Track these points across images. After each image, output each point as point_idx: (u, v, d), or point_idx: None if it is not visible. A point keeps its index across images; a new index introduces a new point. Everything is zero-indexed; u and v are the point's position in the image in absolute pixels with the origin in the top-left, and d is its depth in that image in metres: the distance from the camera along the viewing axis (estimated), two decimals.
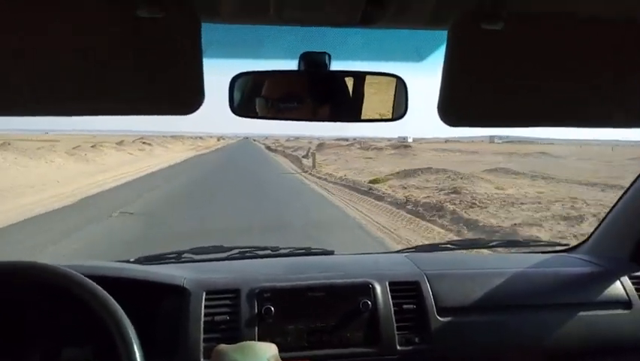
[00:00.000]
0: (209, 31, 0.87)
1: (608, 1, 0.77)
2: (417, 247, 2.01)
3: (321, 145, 47.34)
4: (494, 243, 2.05)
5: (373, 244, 6.63)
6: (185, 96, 0.73)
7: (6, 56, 0.67)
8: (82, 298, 1.01)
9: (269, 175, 18.21)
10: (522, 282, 1.52)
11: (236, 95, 1.02)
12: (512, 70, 0.79)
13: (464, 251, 2.01)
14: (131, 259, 1.62)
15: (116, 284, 1.10)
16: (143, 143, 41.79)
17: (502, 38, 0.75)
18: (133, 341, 0.98)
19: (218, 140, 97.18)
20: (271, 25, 0.85)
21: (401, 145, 46.48)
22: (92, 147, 28.21)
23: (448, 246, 1.97)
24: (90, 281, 1.02)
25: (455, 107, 0.81)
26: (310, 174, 19.16)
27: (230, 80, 1.00)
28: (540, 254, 1.86)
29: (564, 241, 2.18)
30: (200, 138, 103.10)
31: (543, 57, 0.79)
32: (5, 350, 1.21)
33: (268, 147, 55.42)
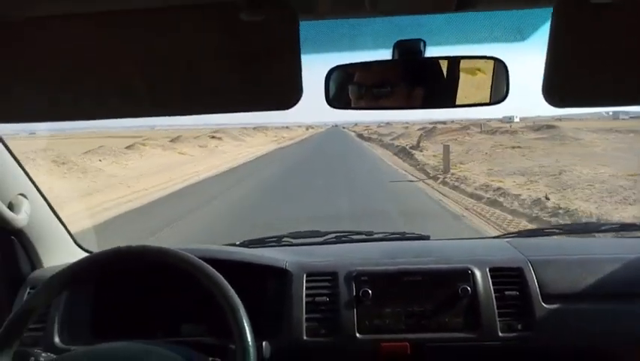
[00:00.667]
0: (305, 28, 0.91)
1: None
2: (519, 232, 1.91)
3: (431, 130, 35.22)
4: (605, 227, 1.89)
5: None
6: (285, 92, 0.77)
7: (126, 62, 0.76)
8: (200, 279, 1.10)
9: (374, 189, 10.13)
10: (636, 269, 1.41)
11: (332, 88, 1.04)
12: (622, 45, 0.74)
13: (571, 236, 1.89)
14: (237, 243, 1.73)
15: (226, 266, 1.19)
16: (212, 137, 34.24)
17: (611, 13, 0.70)
18: (244, 318, 1.05)
19: (307, 129, 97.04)
20: (366, 17, 0.85)
21: (542, 126, 30.60)
22: (129, 147, 21.48)
23: (554, 230, 1.86)
24: (206, 264, 1.12)
25: (561, 87, 0.77)
26: (451, 185, 10.21)
27: (325, 73, 1.02)
28: None
29: None
30: (287, 127, 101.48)
31: None
32: (134, 326, 1.35)
33: (360, 135, 49.23)
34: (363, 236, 1.79)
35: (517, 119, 74.09)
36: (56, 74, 0.77)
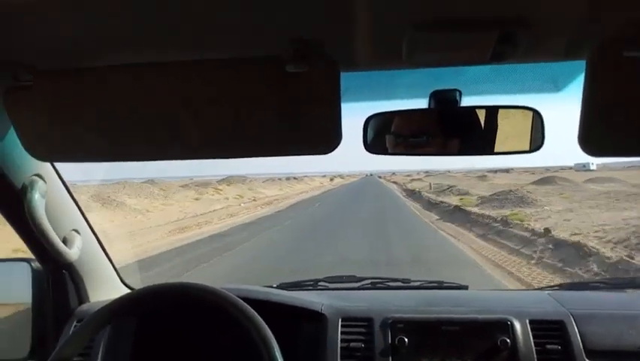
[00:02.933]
0: (345, 78, 0.96)
1: None
2: (562, 285, 1.85)
3: (545, 180, 27.42)
4: None
5: None
6: (325, 138, 0.82)
7: (182, 109, 0.83)
8: (236, 316, 1.13)
9: None
10: None
11: (370, 134, 1.09)
12: None
13: (615, 291, 1.81)
14: (274, 285, 1.75)
15: (263, 306, 1.21)
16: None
17: None
18: (279, 358, 1.06)
19: (332, 180, 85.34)
20: (403, 69, 0.90)
21: None
22: None
23: (598, 285, 1.79)
24: (243, 302, 1.15)
25: (597, 136, 0.78)
26: None
27: (364, 120, 1.07)
28: None
29: None
30: (306, 177, 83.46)
31: None
32: None
33: (411, 192, 30.86)
34: (400, 283, 1.77)
35: (593, 166, 62.86)
36: (114, 120, 0.85)
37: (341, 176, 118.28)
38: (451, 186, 29.46)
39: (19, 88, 0.83)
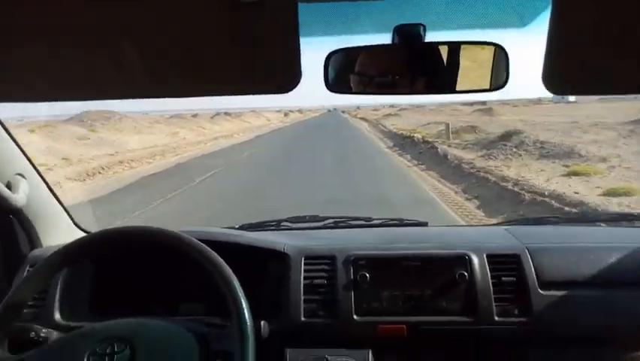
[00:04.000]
0: (304, 11, 0.90)
1: None
2: (519, 219, 1.93)
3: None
4: (605, 216, 1.91)
5: None
6: (284, 76, 0.77)
7: (114, 43, 0.75)
8: (198, 260, 1.12)
9: None
10: (634, 258, 1.41)
11: (331, 72, 1.04)
12: (622, 33, 0.74)
13: (570, 225, 1.90)
14: (236, 226, 1.75)
15: (225, 248, 1.20)
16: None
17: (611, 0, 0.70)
18: (242, 300, 1.08)
19: (286, 115, 69.40)
20: (366, 0, 0.85)
21: None
22: None
23: (553, 219, 1.87)
24: (206, 246, 1.13)
25: (560, 74, 0.77)
26: None
27: (325, 57, 1.02)
28: None
29: None
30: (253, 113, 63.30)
31: None
32: (132, 304, 1.37)
33: (412, 144, 15.48)
34: (362, 222, 1.80)
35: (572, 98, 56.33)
36: (52, 53, 0.77)
37: (300, 111, 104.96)
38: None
39: None
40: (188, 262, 1.12)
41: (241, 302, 1.07)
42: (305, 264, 1.42)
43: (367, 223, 1.80)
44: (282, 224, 1.77)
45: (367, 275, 1.36)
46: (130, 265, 1.46)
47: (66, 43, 0.76)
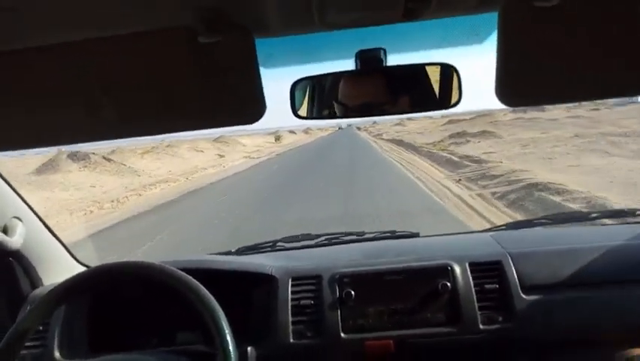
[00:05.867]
0: (267, 46, 0.96)
1: None
2: (508, 224, 1.94)
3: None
4: (594, 215, 1.91)
5: None
6: (249, 108, 0.82)
7: (93, 88, 0.81)
8: (177, 288, 1.15)
9: None
10: (620, 255, 1.43)
11: (297, 99, 1.09)
12: (568, 44, 0.77)
13: (557, 227, 1.91)
14: (232, 250, 1.78)
15: (213, 275, 1.23)
16: None
17: (555, 14, 0.74)
18: (225, 328, 1.10)
19: (278, 140, 53.35)
20: (318, 32, 0.90)
21: None
22: None
23: (542, 221, 1.88)
24: (183, 273, 1.17)
25: (512, 87, 0.81)
26: None
27: (290, 86, 1.07)
28: None
29: None
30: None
31: (599, 28, 0.76)
32: (129, 337, 1.41)
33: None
34: (354, 237, 1.83)
35: None
36: (29, 104, 0.82)
37: (306, 131, 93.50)
38: None
39: None
40: (177, 295, 1.16)
41: (224, 330, 1.09)
42: (292, 285, 1.44)
43: (359, 238, 1.82)
44: (277, 245, 1.80)
45: (352, 292, 1.39)
46: (126, 298, 1.50)
47: (40, 94, 0.81)
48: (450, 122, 44.95)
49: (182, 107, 0.83)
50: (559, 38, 0.77)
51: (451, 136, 24.60)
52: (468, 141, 20.94)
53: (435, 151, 17.82)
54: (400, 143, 26.68)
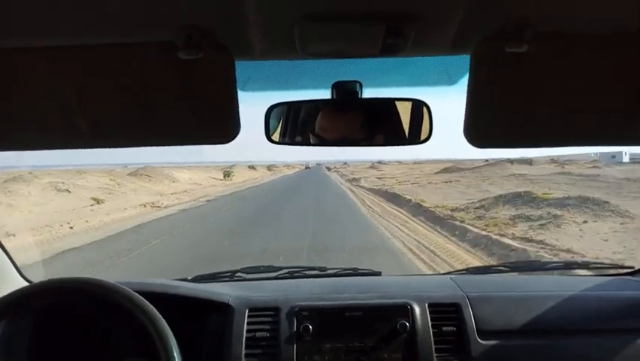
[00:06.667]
0: (246, 68, 0.96)
1: (635, 17, 0.77)
2: (468, 268, 1.97)
3: None
4: (552, 265, 1.97)
5: None
6: (223, 127, 0.82)
7: (70, 96, 0.79)
8: (131, 311, 1.10)
9: None
10: (576, 305, 1.45)
11: (272, 124, 1.09)
12: (537, 91, 0.81)
13: (516, 274, 1.95)
14: (189, 278, 1.72)
15: (168, 300, 1.18)
16: None
17: (526, 60, 0.78)
18: (175, 355, 1.06)
19: (227, 176, 41.94)
20: (298, 59, 0.92)
21: None
22: None
23: (501, 268, 1.91)
24: (139, 296, 1.12)
25: (481, 129, 0.83)
26: None
27: (265, 110, 1.08)
28: (600, 277, 1.77)
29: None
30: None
31: (568, 77, 0.80)
32: (72, 358, 1.32)
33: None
34: (316, 272, 1.80)
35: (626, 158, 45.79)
36: (6, 107, 0.80)
37: (269, 168, 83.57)
38: None
39: None
40: (127, 316, 1.11)
41: (173, 357, 1.05)
42: (249, 316, 1.40)
43: (321, 273, 1.80)
44: (236, 275, 1.76)
45: (310, 326, 1.35)
46: (70, 319, 1.42)
47: (21, 99, 0.79)
48: (445, 170, 38.94)
49: (157, 121, 0.82)
50: (528, 84, 0.81)
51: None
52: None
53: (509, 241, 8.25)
54: (394, 199, 16.88)
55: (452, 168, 39.25)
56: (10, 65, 0.78)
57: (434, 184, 23.51)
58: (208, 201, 19.00)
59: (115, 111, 0.81)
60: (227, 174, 42.39)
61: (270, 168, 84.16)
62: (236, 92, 0.81)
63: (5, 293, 1.48)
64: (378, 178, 34.37)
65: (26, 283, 1.68)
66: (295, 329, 1.36)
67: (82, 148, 0.86)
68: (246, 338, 1.36)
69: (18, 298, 1.14)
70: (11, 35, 0.76)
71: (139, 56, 0.79)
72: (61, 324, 1.42)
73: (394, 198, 16.85)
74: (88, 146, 0.85)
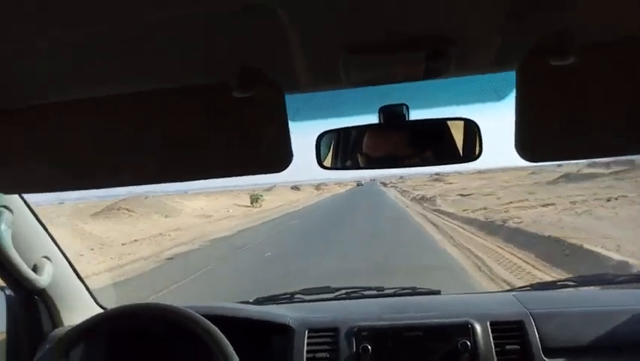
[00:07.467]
0: (295, 101, 1.01)
1: None
2: (532, 285, 1.91)
3: None
4: (620, 278, 1.87)
5: None
6: (276, 157, 0.87)
7: (128, 134, 0.87)
8: (197, 332, 1.16)
9: None
10: None
11: (323, 151, 1.14)
12: (587, 100, 0.80)
13: (583, 289, 1.87)
14: (250, 300, 1.78)
15: (231, 323, 1.24)
16: None
17: (573, 71, 0.78)
18: None
19: (255, 201, 34.56)
20: (344, 88, 0.96)
21: None
22: None
23: (567, 283, 1.85)
24: (204, 319, 1.18)
25: (532, 143, 0.83)
26: None
27: (316, 138, 1.12)
28: None
29: None
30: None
31: (617, 84, 0.79)
32: None
33: None
34: (374, 292, 1.81)
35: None
36: (73, 151, 0.89)
37: (318, 187, 78.39)
38: None
39: None
40: (193, 339, 1.17)
41: None
42: (309, 337, 1.43)
43: (379, 293, 1.80)
44: (295, 297, 1.80)
45: (369, 347, 1.36)
46: (142, 343, 1.51)
47: (86, 143, 0.88)
48: (564, 176, 28.69)
49: (213, 155, 0.88)
50: (576, 96, 0.80)
51: None
52: None
53: None
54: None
55: (572, 175, 27.58)
56: (81, 113, 0.87)
57: (586, 204, 13.56)
58: (169, 259, 11.40)
59: (176, 150, 0.88)
60: (255, 199, 34.80)
61: (318, 187, 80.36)
62: (287, 123, 0.86)
63: (81, 320, 1.61)
64: (462, 196, 23.68)
65: (100, 309, 1.80)
66: (354, 350, 1.37)
67: (148, 184, 0.95)
68: (307, 358, 1.39)
69: (95, 325, 1.24)
70: (82, 87, 0.85)
71: (196, 98, 0.86)
72: (132, 346, 1.52)
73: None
74: (153, 182, 0.93)
